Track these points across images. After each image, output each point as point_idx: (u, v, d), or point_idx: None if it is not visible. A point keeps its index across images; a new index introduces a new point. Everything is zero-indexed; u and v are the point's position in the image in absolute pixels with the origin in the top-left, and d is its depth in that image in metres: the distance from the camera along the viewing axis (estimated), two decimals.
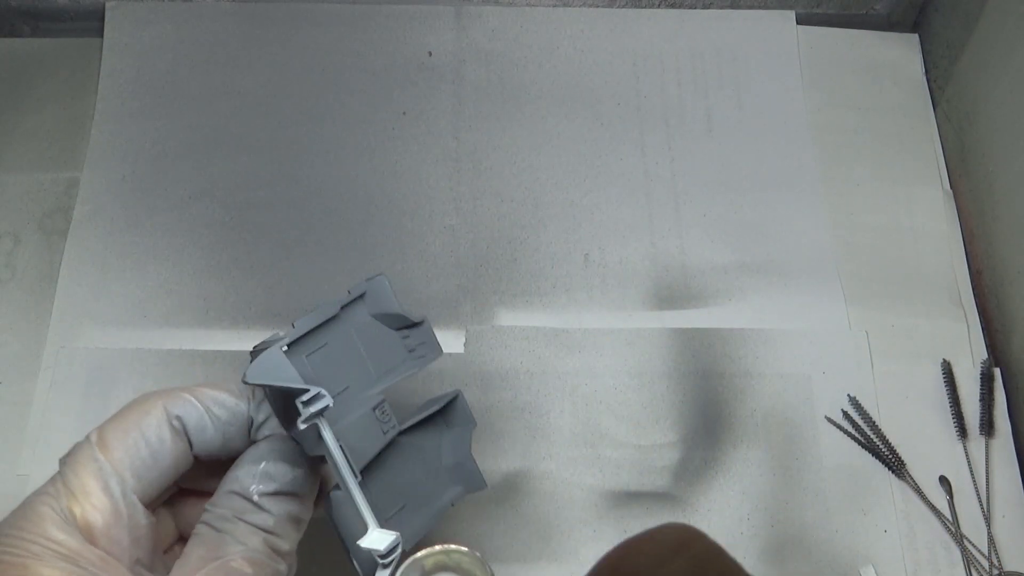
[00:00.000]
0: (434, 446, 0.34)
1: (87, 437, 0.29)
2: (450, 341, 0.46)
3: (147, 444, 0.28)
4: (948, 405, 0.45)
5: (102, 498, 0.27)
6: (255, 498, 0.27)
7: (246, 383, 0.29)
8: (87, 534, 0.27)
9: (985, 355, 0.47)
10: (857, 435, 0.44)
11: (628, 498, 0.43)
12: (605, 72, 0.53)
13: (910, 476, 0.44)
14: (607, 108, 0.52)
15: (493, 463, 0.43)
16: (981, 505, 0.43)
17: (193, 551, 0.27)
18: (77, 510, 0.27)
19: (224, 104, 0.51)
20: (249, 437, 0.31)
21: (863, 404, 0.45)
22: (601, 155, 0.51)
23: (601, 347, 0.46)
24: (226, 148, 0.50)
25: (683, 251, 0.49)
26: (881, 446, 0.44)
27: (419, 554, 0.23)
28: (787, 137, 0.52)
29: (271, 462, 0.29)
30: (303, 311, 0.34)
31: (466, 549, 0.22)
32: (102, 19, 0.53)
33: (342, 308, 0.32)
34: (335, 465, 0.28)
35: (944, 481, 0.44)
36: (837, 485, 0.43)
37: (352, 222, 0.49)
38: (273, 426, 0.31)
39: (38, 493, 0.27)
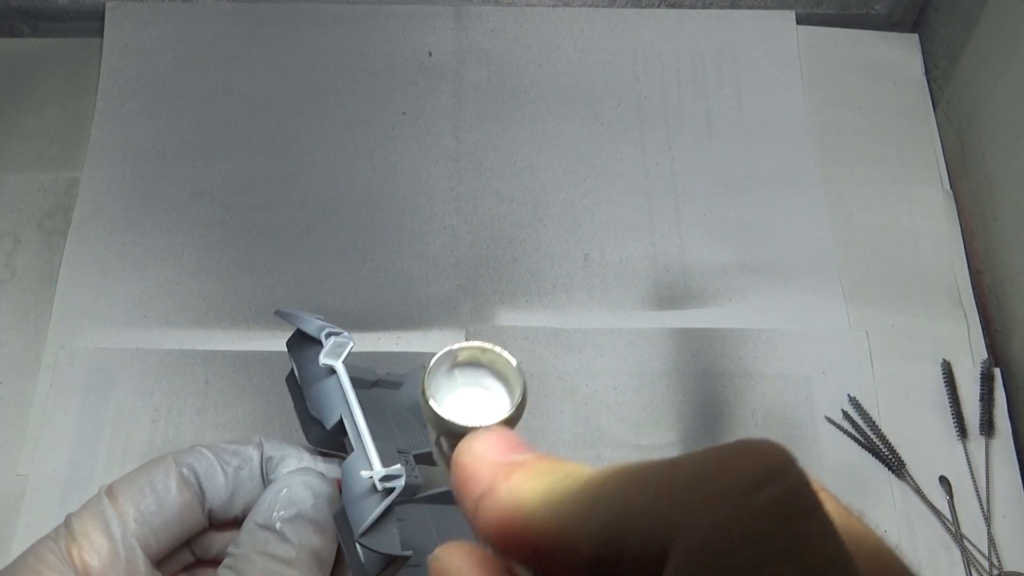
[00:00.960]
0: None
1: (99, 490, 0.29)
2: (450, 341, 0.45)
3: (152, 490, 0.28)
4: (948, 405, 0.45)
5: (101, 540, 0.27)
6: (277, 525, 0.27)
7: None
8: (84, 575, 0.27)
9: (985, 355, 0.47)
10: (857, 435, 0.45)
11: None
12: (605, 72, 0.53)
13: (910, 476, 0.44)
14: (607, 108, 0.52)
15: None
16: (981, 505, 0.43)
17: None
18: (75, 551, 0.27)
19: (224, 104, 0.51)
20: (264, 482, 0.31)
21: (863, 404, 0.45)
22: (601, 155, 0.51)
23: (601, 347, 0.46)
24: (226, 148, 0.50)
25: (683, 251, 0.49)
26: (881, 446, 0.44)
27: (455, 346, 0.21)
28: (787, 137, 0.52)
29: (293, 489, 0.28)
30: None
31: (503, 352, 0.21)
32: (102, 19, 0.53)
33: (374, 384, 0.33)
34: (349, 412, 0.28)
35: (944, 481, 0.44)
36: (837, 485, 0.43)
37: (352, 222, 0.49)
38: (291, 464, 0.31)
39: (43, 538, 0.28)
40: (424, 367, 0.20)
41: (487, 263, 0.48)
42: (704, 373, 0.45)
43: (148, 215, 0.49)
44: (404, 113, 0.51)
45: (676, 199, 0.50)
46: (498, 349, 0.21)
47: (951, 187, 0.51)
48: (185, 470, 0.29)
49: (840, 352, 0.46)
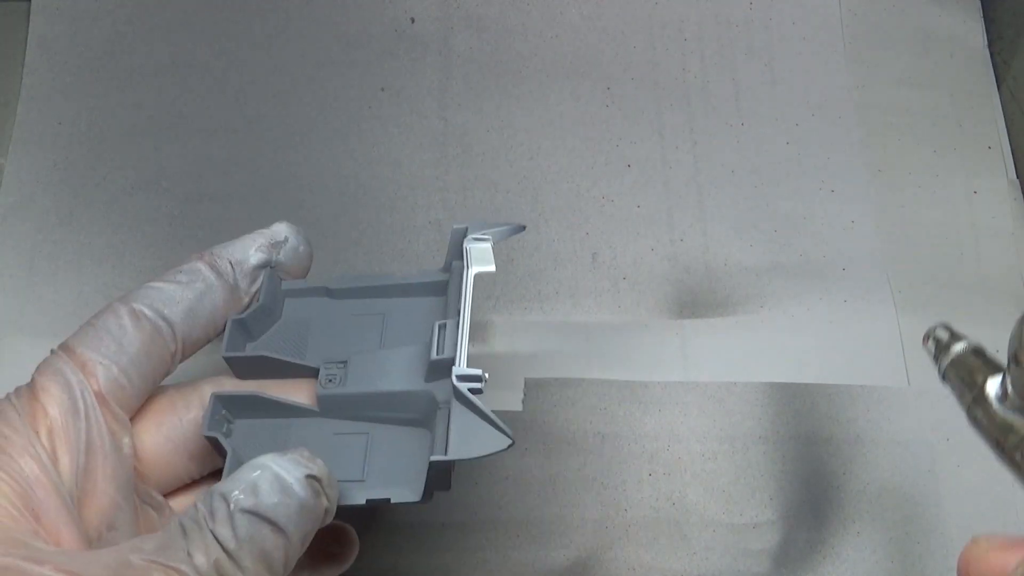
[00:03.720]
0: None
1: (50, 351, 0.30)
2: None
3: (108, 332, 0.29)
4: None
5: (60, 394, 0.28)
6: (231, 506, 0.26)
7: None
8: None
9: None
10: None
11: None
12: (617, 42, 0.51)
13: None
14: (619, 84, 0.50)
15: (558, 544, 0.41)
16: None
17: (150, 541, 0.26)
18: (37, 409, 0.28)
19: (173, 79, 0.50)
20: (242, 297, 0.32)
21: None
22: (612, 139, 0.49)
23: (684, 404, 0.43)
24: (175, 131, 0.49)
25: (707, 250, 0.47)
26: None
27: None
28: (827, 118, 0.50)
29: (265, 477, 0.27)
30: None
31: None
32: None
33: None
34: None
35: None
36: None
37: (322, 216, 0.47)
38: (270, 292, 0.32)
39: (2, 397, 0.28)
40: None
41: None
42: (807, 438, 0.43)
43: (84, 208, 0.47)
44: (382, 89, 0.50)
45: (699, 190, 0.48)
46: None
47: (1017, 176, 0.49)
48: (136, 305, 0.30)
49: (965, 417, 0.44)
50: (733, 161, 0.49)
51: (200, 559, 0.25)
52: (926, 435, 0.43)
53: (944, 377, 0.23)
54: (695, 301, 0.46)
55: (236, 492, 0.26)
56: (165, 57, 0.50)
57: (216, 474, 0.32)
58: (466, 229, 0.33)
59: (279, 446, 0.30)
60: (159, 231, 0.46)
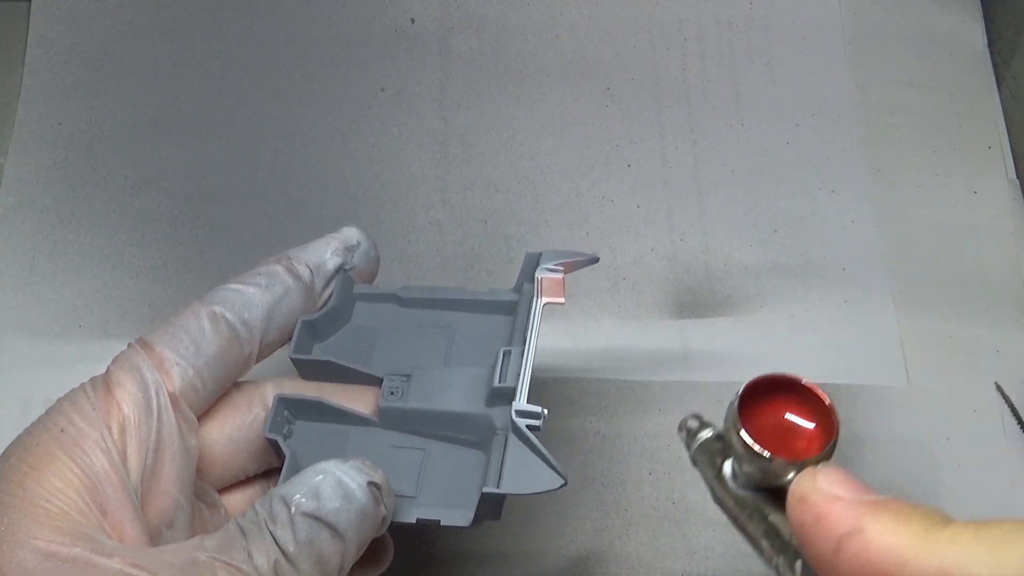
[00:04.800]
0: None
1: (128, 344, 0.30)
2: None
3: (187, 333, 0.29)
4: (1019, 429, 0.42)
5: (135, 390, 0.28)
6: (292, 509, 0.27)
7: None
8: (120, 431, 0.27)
9: None
10: None
11: None
12: (617, 42, 0.51)
13: None
14: (619, 84, 0.50)
15: (559, 544, 0.41)
16: None
17: (211, 540, 0.26)
18: (112, 403, 0.27)
19: (172, 79, 0.49)
20: (316, 300, 0.32)
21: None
22: (612, 139, 0.49)
23: (685, 403, 0.43)
24: (175, 131, 0.48)
25: (707, 250, 0.47)
26: None
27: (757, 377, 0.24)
28: (827, 118, 0.50)
29: (328, 482, 0.27)
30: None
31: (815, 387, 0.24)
32: None
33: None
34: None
35: None
36: None
37: (322, 216, 0.47)
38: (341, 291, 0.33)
39: (78, 387, 0.28)
40: (734, 398, 0.23)
41: (479, 264, 0.46)
42: None
43: (84, 208, 0.47)
44: (382, 89, 0.50)
45: (699, 190, 0.48)
46: (807, 381, 0.23)
47: (1017, 176, 0.49)
48: (216, 308, 0.30)
49: (966, 413, 0.44)
50: (733, 161, 0.49)
51: (260, 560, 0.26)
52: (925, 435, 0.43)
53: (695, 463, 0.26)
54: (695, 301, 0.45)
55: (298, 496, 0.27)
56: (165, 57, 0.50)
57: (269, 472, 0.32)
58: (539, 256, 0.33)
59: (337, 452, 0.30)
60: (159, 231, 0.46)
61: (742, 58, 0.51)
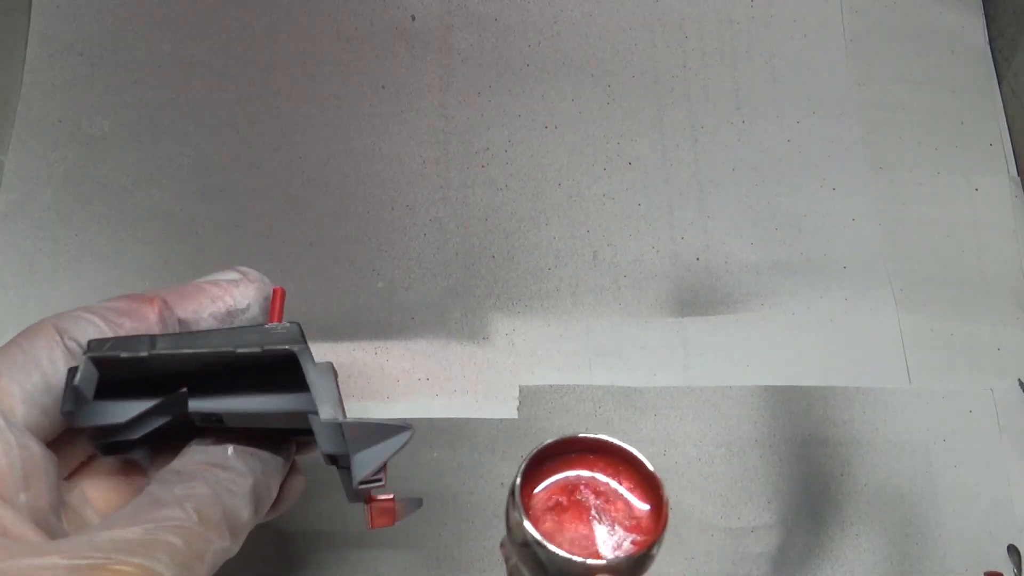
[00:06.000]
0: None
1: None
2: (437, 352, 0.43)
3: (38, 367, 0.27)
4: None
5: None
6: (229, 451, 0.27)
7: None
8: None
9: None
10: None
11: None
12: (617, 40, 0.50)
13: None
14: (620, 82, 0.50)
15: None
16: None
17: (126, 509, 0.26)
18: None
19: (173, 76, 0.49)
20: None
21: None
22: (613, 136, 0.49)
23: (680, 409, 0.43)
24: (176, 128, 0.48)
25: (708, 248, 0.46)
26: None
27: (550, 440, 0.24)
28: (828, 115, 0.49)
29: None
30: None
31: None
32: None
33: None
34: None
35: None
36: (966, 573, 0.41)
37: (322, 214, 0.46)
38: (208, 324, 0.30)
39: None
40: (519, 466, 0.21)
41: (479, 262, 0.46)
42: (804, 440, 0.43)
43: (84, 206, 0.46)
44: (383, 87, 0.49)
45: (700, 187, 0.48)
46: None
47: (1018, 173, 0.49)
48: (70, 343, 0.28)
49: (962, 415, 0.43)
50: (734, 159, 0.48)
51: (204, 491, 0.26)
52: (923, 436, 0.43)
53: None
54: (696, 299, 0.45)
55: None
56: (165, 55, 0.49)
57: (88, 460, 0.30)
58: (340, 427, 0.28)
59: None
60: (159, 230, 0.46)
61: (743, 56, 0.50)
